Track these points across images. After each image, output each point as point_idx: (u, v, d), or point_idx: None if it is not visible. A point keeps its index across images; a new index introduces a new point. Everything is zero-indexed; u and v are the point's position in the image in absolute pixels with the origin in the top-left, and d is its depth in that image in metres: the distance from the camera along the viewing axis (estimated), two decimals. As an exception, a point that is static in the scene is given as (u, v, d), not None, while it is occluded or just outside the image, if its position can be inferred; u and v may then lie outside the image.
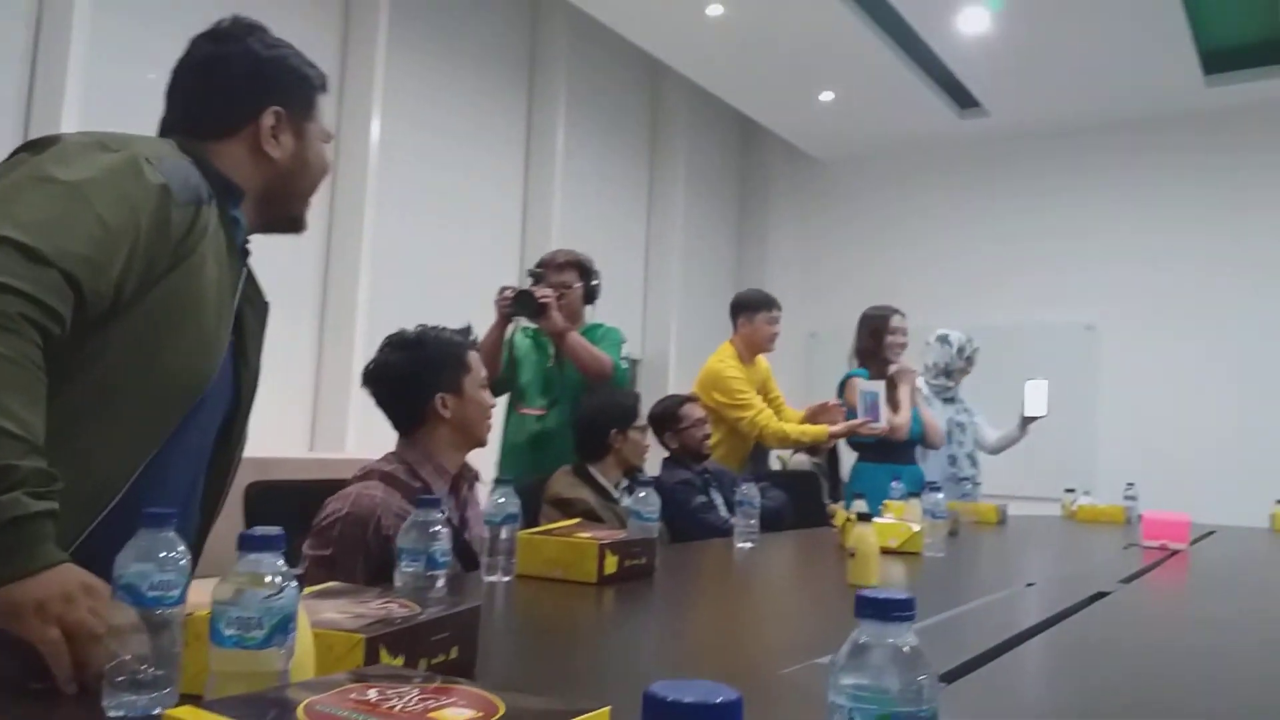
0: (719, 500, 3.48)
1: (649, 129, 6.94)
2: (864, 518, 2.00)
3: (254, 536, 0.78)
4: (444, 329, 2.07)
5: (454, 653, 1.05)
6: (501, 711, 0.68)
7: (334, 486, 1.90)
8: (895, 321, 4.29)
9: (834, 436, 4.23)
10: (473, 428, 2.00)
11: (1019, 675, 1.23)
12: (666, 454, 3.62)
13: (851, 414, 4.01)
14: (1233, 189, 6.50)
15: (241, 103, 1.35)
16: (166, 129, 1.36)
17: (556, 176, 5.68)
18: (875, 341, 4.30)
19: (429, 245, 5.05)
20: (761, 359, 4.21)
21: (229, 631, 0.75)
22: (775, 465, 5.08)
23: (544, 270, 3.27)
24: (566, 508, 2.79)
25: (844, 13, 5.23)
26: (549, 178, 5.68)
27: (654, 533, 2.07)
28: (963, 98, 6.64)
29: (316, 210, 1.53)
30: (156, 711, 0.87)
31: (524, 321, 3.22)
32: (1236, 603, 2.13)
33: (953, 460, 4.53)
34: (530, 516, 2.50)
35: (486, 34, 5.49)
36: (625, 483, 3.10)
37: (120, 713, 0.86)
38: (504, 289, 3.07)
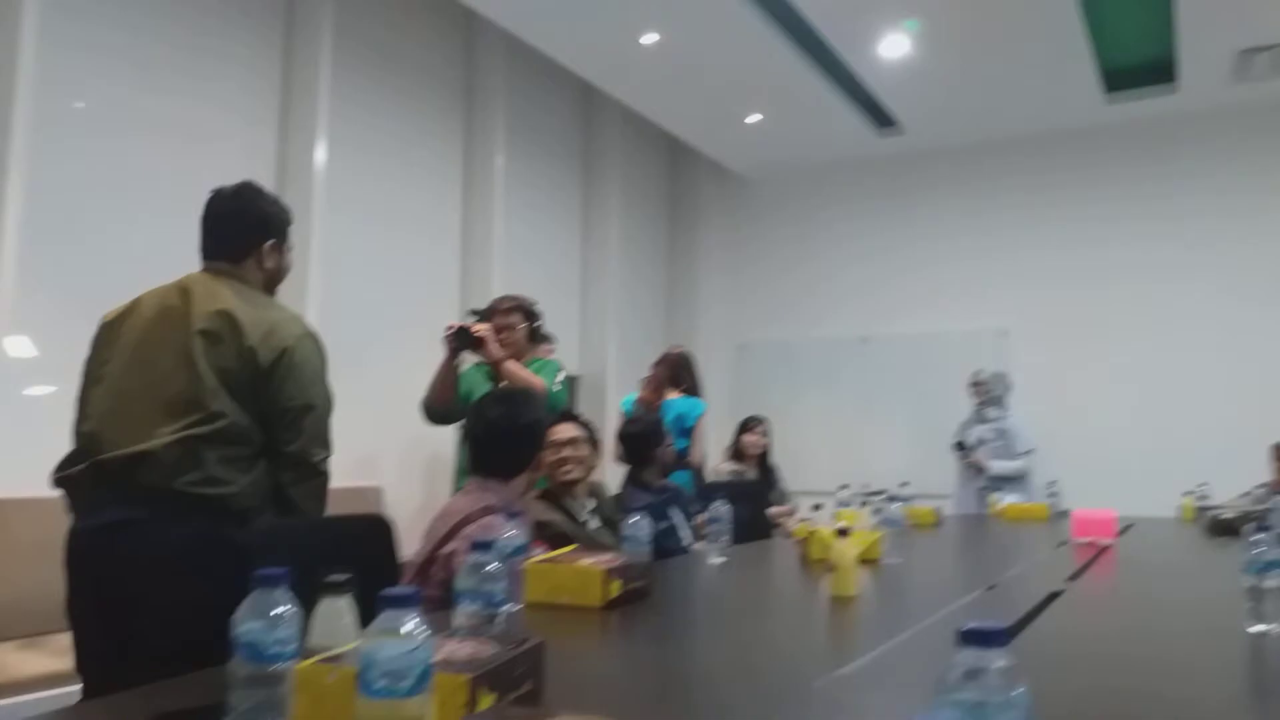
0: (679, 519, 3.61)
1: (582, 151, 7.04)
2: (843, 533, 2.14)
3: (393, 595, 0.86)
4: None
5: (527, 685, 1.14)
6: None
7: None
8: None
9: None
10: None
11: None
12: (626, 475, 3.73)
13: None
14: (1131, 200, 6.92)
15: (254, 237, 2.24)
16: (208, 253, 2.23)
17: (496, 201, 5.73)
18: None
19: (374, 270, 5.06)
20: None
21: (380, 683, 0.83)
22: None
23: (485, 310, 3.71)
24: (542, 530, 2.88)
25: (772, 40, 5.43)
26: (489, 202, 5.73)
27: (649, 556, 2.18)
28: (881, 118, 6.92)
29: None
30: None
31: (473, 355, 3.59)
32: (1173, 598, 2.34)
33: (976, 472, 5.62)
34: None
35: (425, 60, 5.51)
36: (593, 504, 3.20)
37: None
38: (449, 326, 3.51)
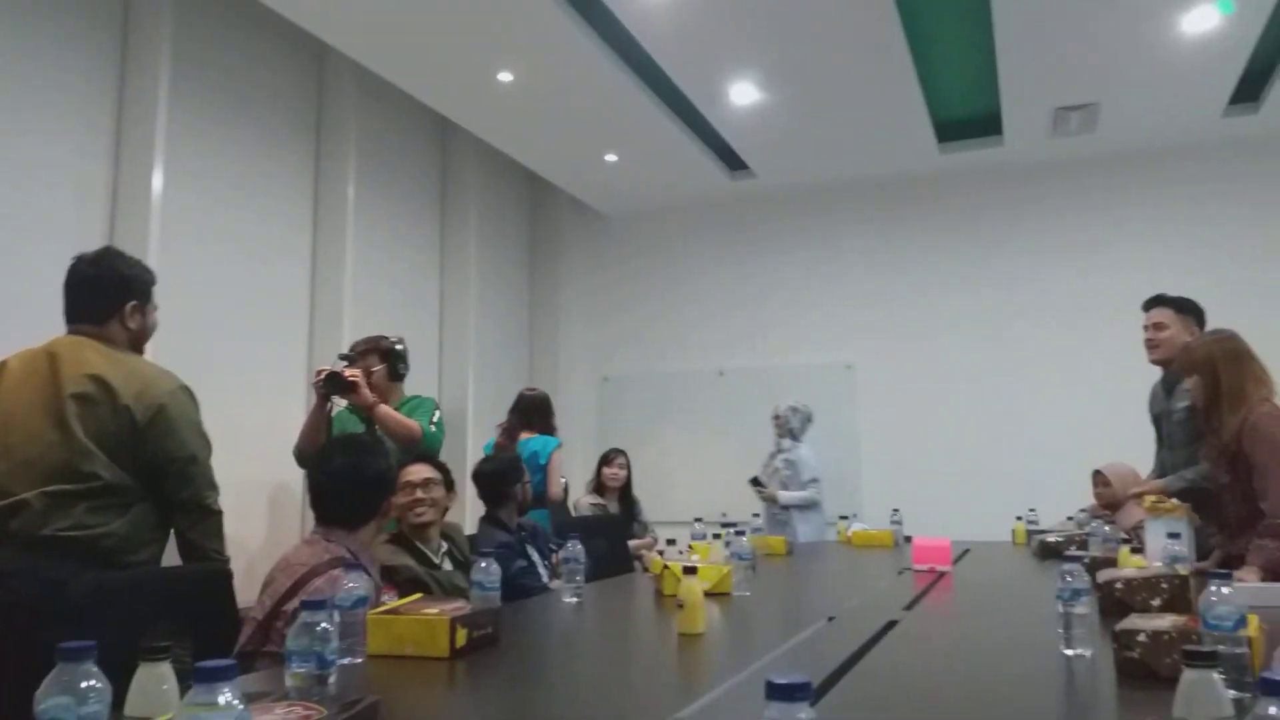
0: (536, 558, 3.59)
1: (440, 184, 6.95)
2: (689, 571, 2.18)
3: (209, 668, 0.83)
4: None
5: (360, 748, 1.12)
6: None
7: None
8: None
9: None
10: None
11: (845, 715, 1.43)
12: (483, 514, 3.69)
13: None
14: (964, 243, 7.38)
15: (116, 300, 2.35)
16: (72, 317, 2.34)
17: (348, 233, 5.57)
18: None
19: (216, 303, 4.83)
20: None
21: (193, 759, 0.80)
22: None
23: (355, 354, 3.69)
24: (391, 575, 2.82)
25: (627, 84, 5.54)
26: (340, 235, 5.56)
27: (497, 602, 2.16)
28: (733, 161, 7.15)
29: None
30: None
31: (344, 400, 3.55)
32: (1001, 622, 2.48)
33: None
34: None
35: (273, 90, 5.32)
36: (446, 546, 3.15)
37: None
38: (319, 372, 3.46)
